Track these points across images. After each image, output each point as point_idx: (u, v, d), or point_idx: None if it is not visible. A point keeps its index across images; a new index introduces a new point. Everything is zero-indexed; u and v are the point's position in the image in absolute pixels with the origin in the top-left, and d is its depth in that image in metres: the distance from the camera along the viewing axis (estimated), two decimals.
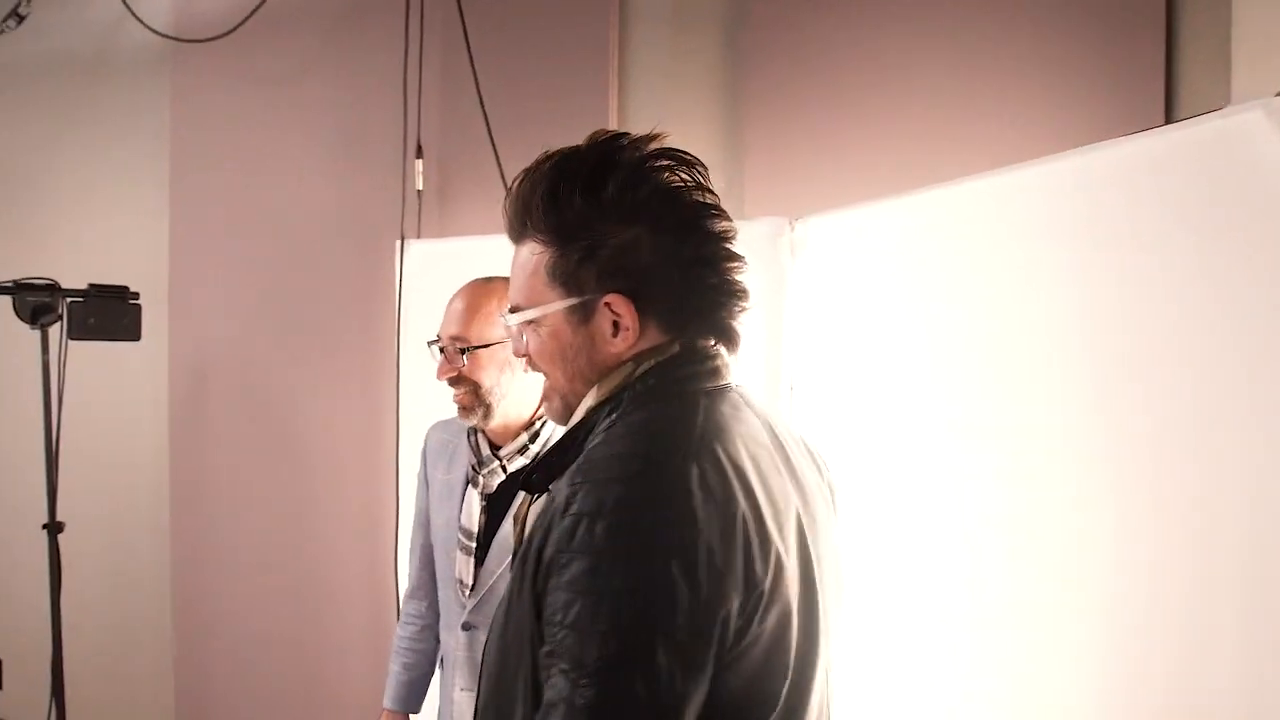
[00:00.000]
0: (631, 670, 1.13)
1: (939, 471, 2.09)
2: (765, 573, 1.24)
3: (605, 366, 1.37)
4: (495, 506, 2.26)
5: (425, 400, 3.19)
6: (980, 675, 1.99)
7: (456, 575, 2.31)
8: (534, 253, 1.38)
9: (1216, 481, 1.54)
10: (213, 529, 4.17)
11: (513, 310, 1.43)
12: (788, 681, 1.28)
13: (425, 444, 2.51)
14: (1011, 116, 2.59)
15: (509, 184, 1.41)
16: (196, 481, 4.22)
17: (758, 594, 1.23)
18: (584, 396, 1.39)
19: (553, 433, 2.24)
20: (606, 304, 1.34)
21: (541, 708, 1.17)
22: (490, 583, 2.25)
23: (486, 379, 2.22)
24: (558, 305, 1.36)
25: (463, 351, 2.22)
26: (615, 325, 1.35)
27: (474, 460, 2.31)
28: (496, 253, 2.48)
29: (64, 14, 4.51)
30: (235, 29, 3.91)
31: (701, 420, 1.31)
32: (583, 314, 1.36)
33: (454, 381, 2.24)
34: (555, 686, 1.15)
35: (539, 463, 1.42)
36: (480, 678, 1.42)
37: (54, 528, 3.14)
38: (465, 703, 2.29)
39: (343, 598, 3.83)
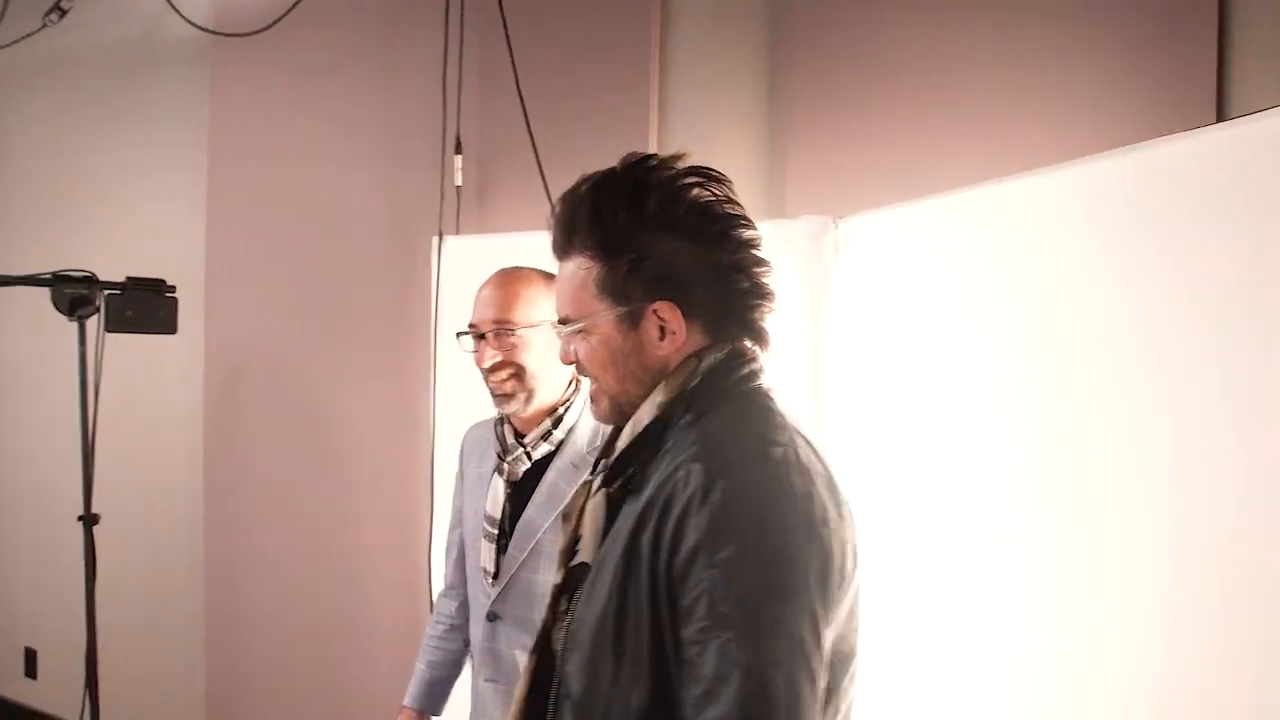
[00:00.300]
0: (795, 630, 1.29)
1: (985, 475, 2.05)
2: (855, 538, 1.43)
3: (655, 368, 1.49)
4: (519, 493, 2.27)
5: (461, 397, 3.17)
6: (1025, 682, 1.95)
7: (481, 564, 2.30)
8: (581, 267, 1.49)
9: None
10: (245, 524, 4.17)
11: (563, 322, 1.54)
12: (858, 635, 1.45)
13: (463, 444, 2.52)
14: (1059, 114, 2.54)
15: (551, 206, 1.53)
16: (230, 477, 4.22)
17: (855, 557, 1.42)
18: (635, 396, 1.51)
19: (576, 419, 2.26)
20: (654, 310, 1.46)
21: (705, 679, 1.28)
22: (513, 570, 2.24)
23: (533, 361, 2.21)
24: (608, 314, 1.48)
25: (507, 334, 2.20)
26: (662, 330, 1.47)
27: (499, 448, 2.30)
28: (535, 249, 2.46)
29: (105, 8, 4.53)
30: (275, 23, 3.90)
31: (781, 412, 1.48)
32: (631, 321, 1.48)
33: (496, 368, 2.22)
34: (723, 655, 1.27)
35: (624, 457, 1.50)
36: (560, 669, 1.48)
37: (89, 520, 3.13)
38: (490, 694, 2.28)
39: (375, 596, 3.82)
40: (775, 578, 1.30)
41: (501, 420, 2.33)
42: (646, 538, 1.37)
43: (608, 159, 1.53)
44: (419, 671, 2.54)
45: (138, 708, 4.44)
